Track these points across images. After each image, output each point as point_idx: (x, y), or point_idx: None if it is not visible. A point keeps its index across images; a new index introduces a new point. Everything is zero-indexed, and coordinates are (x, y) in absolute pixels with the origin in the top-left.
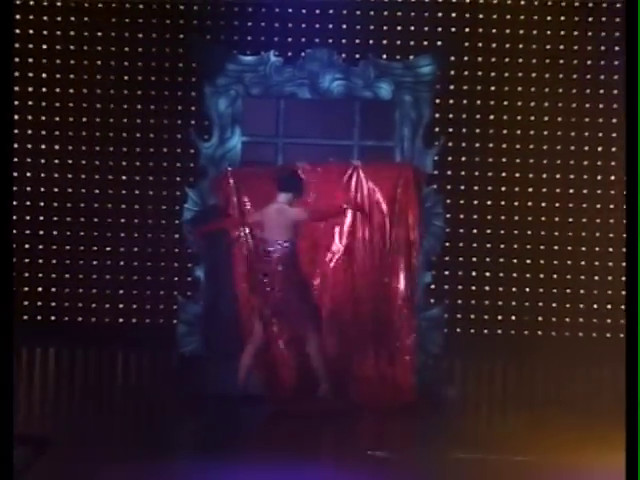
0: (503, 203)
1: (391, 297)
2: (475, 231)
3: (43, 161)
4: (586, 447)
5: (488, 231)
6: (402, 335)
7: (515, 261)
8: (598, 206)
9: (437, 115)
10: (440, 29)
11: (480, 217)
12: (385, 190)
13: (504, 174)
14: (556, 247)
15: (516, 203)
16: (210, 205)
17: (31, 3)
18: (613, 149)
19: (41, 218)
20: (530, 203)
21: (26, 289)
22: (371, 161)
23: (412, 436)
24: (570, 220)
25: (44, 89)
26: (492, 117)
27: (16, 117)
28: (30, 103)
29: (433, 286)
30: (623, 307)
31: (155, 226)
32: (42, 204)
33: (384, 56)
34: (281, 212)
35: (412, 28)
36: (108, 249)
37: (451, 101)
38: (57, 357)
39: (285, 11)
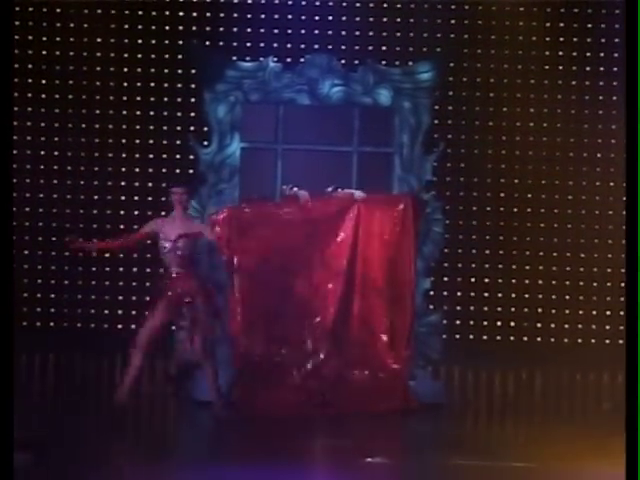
0: (502, 209)
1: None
2: (474, 237)
3: (42, 167)
4: (586, 453)
5: (487, 237)
6: (400, 342)
7: (514, 267)
8: (597, 212)
9: (436, 121)
10: (439, 35)
11: (479, 223)
12: (385, 223)
13: (503, 180)
14: (555, 253)
15: (515, 209)
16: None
17: (30, 9)
18: (612, 155)
19: (40, 224)
20: (529, 209)
21: (25, 295)
22: (372, 193)
23: (411, 442)
24: (569, 226)
25: (43, 95)
26: (491, 123)
27: (15, 123)
28: (29, 109)
29: (432, 292)
30: (622, 313)
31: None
32: (41, 210)
33: (383, 62)
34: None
35: (411, 34)
36: (107, 255)
37: (450, 107)
38: (56, 363)
39: (284, 17)
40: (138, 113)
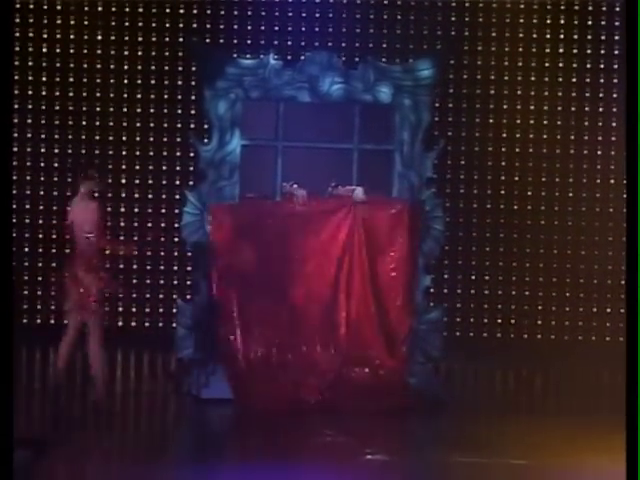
0: (502, 206)
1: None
2: (474, 234)
3: (42, 164)
4: (586, 450)
5: (487, 234)
6: (398, 340)
7: (514, 264)
8: (597, 209)
9: (437, 118)
10: (439, 32)
11: (479, 220)
12: (382, 225)
13: (503, 177)
14: (555, 251)
15: (515, 206)
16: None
17: (31, 6)
18: (612, 152)
19: (40, 221)
20: (529, 206)
21: (25, 292)
22: (372, 192)
23: (410, 439)
24: (569, 223)
25: (43, 92)
26: (492, 120)
27: (15, 120)
28: (30, 106)
29: (432, 289)
30: (622, 310)
31: (154, 229)
32: (41, 207)
33: (384, 59)
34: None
35: (412, 31)
36: (107, 252)
37: (450, 104)
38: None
39: (285, 14)
40: (139, 110)
